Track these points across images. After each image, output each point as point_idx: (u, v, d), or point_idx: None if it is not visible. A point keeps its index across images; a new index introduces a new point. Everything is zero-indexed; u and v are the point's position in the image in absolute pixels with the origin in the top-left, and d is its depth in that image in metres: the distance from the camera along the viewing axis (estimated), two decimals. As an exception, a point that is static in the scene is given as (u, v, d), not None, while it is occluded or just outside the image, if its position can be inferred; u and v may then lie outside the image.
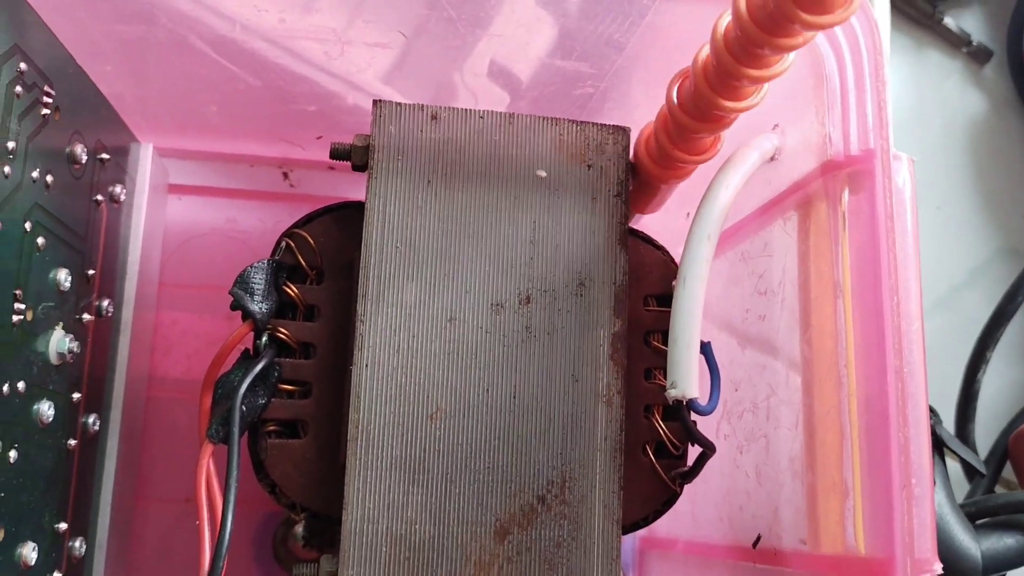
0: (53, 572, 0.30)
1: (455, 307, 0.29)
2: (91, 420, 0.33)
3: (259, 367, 0.29)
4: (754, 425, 0.30)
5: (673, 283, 0.31)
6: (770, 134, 0.30)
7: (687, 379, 0.28)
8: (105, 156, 0.33)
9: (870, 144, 0.26)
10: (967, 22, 0.54)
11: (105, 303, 0.33)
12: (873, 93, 0.26)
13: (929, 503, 0.23)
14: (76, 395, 0.31)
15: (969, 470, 0.42)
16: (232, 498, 0.27)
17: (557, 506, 0.29)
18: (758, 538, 0.30)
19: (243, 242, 0.41)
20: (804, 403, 0.27)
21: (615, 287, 0.30)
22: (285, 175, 0.42)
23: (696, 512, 0.35)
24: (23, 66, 0.27)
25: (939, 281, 0.51)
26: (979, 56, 0.54)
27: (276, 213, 0.42)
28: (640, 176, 0.31)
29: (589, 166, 0.31)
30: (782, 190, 0.30)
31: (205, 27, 0.32)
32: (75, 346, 0.30)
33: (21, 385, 0.27)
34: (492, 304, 0.29)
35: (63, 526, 0.31)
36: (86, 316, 0.32)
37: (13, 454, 0.27)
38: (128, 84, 0.35)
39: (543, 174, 0.30)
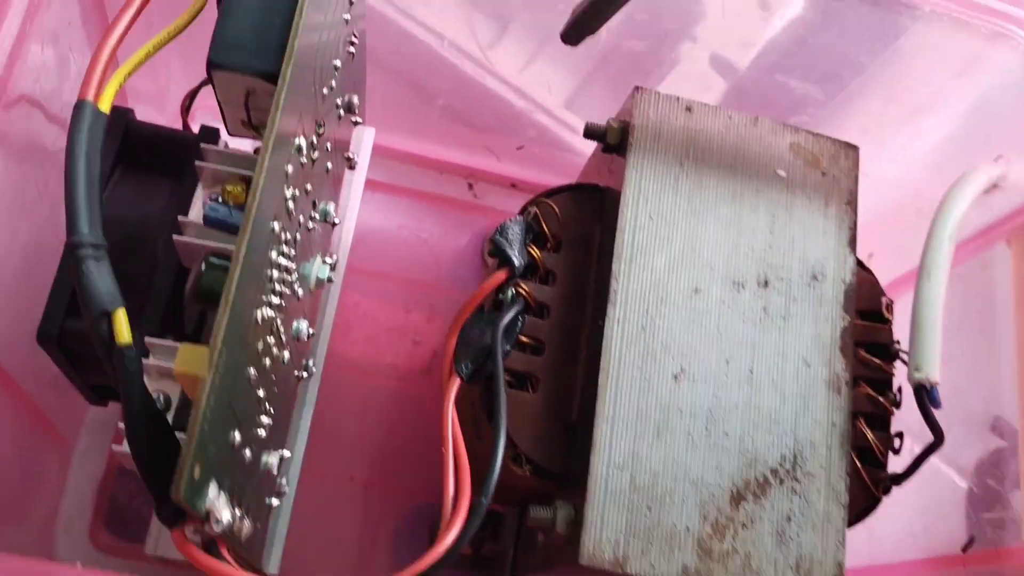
0: (271, 496, 0.30)
1: (700, 279, 0.31)
2: (311, 363, 0.33)
3: (515, 311, 0.30)
4: (967, 428, 0.31)
5: (882, 299, 0.33)
6: (993, 164, 0.33)
7: (931, 363, 0.29)
8: (358, 119, 0.35)
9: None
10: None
11: (332, 258, 0.35)
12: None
13: None
14: (311, 330, 0.32)
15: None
16: (502, 424, 0.28)
17: (789, 481, 0.29)
18: (970, 541, 0.30)
19: (425, 241, 0.43)
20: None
21: (845, 285, 0.32)
22: (470, 186, 0.44)
23: (874, 534, 0.35)
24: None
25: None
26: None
27: (458, 220, 0.44)
28: None
29: (823, 173, 0.33)
30: (1004, 214, 0.32)
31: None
32: (331, 275, 0.31)
33: (301, 291, 0.28)
34: (734, 282, 0.31)
35: (287, 454, 0.31)
36: (328, 259, 0.33)
37: (286, 354, 0.28)
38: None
39: (783, 174, 0.33)
